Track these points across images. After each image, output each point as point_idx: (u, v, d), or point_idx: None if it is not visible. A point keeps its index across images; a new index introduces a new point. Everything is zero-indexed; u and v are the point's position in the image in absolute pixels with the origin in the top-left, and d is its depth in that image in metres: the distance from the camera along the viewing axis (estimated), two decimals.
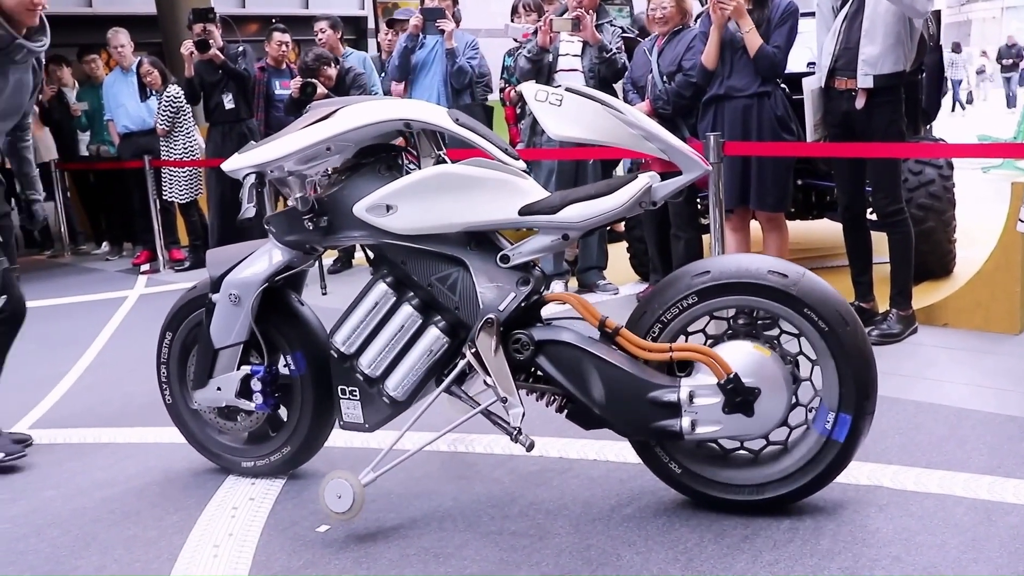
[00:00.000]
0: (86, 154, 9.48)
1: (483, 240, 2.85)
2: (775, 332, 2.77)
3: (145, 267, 8.42)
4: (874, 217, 4.68)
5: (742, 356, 2.68)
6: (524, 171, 2.83)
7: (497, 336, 2.75)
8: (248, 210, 2.88)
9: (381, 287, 2.91)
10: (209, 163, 7.56)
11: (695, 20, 5.30)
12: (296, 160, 2.91)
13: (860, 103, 4.34)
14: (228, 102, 7.52)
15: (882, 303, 4.66)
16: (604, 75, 5.55)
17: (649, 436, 2.77)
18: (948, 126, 15.04)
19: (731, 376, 2.63)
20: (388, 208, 2.81)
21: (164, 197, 8.14)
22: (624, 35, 5.79)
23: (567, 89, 2.69)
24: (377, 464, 2.86)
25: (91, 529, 3.05)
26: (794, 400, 2.73)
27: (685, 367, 2.75)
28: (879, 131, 4.34)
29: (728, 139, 4.60)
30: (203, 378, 3.23)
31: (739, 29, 4.65)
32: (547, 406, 2.86)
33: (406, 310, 2.87)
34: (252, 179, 2.93)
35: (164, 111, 7.85)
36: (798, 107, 4.68)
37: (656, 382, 2.70)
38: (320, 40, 7.57)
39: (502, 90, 6.56)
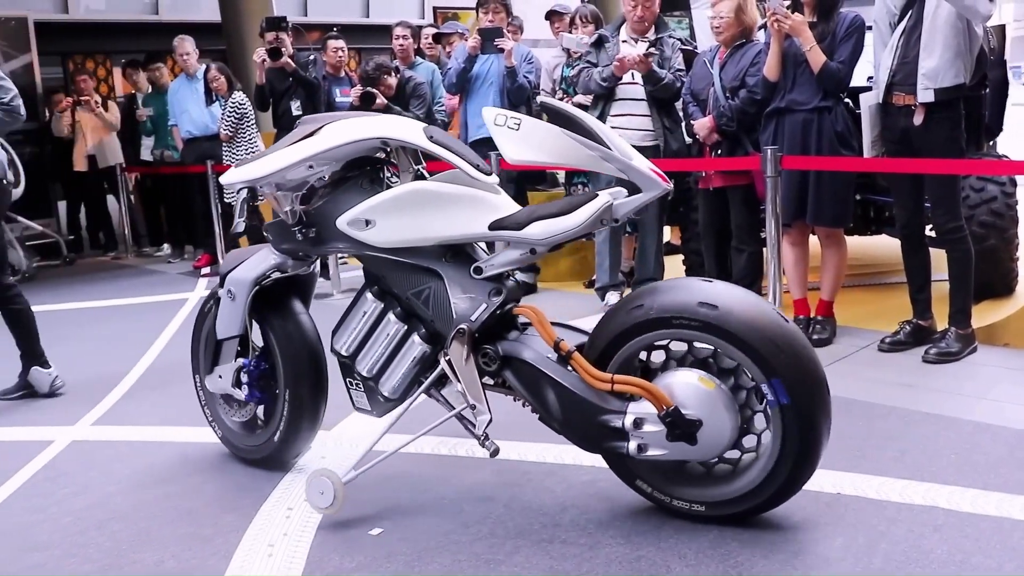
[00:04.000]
0: (149, 159, 9.68)
1: (459, 252, 2.98)
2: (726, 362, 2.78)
3: (206, 270, 8.56)
4: (933, 234, 4.63)
5: (685, 388, 2.72)
6: (496, 186, 2.98)
7: (469, 345, 2.88)
8: (239, 224, 3.18)
9: (368, 296, 3.12)
10: None
11: (758, 31, 5.28)
12: (281, 176, 3.08)
13: (918, 119, 4.30)
14: (296, 109, 7.59)
15: (941, 321, 4.60)
16: (661, 98, 5.52)
17: (603, 454, 2.89)
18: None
19: (670, 409, 2.67)
20: (367, 222, 2.97)
21: (226, 201, 8.28)
22: (683, 47, 5.77)
23: (542, 104, 2.84)
24: (358, 463, 3.02)
25: (150, 525, 3.12)
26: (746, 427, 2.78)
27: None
28: (937, 147, 4.29)
29: (787, 153, 4.59)
30: (209, 366, 3.56)
31: (801, 45, 4.63)
32: (523, 407, 2.97)
33: (391, 319, 3.06)
34: (244, 193, 3.19)
35: (228, 117, 7.98)
36: (860, 121, 4.64)
37: (605, 406, 2.76)
38: (401, 46, 7.64)
39: (560, 100, 6.56)
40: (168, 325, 6.34)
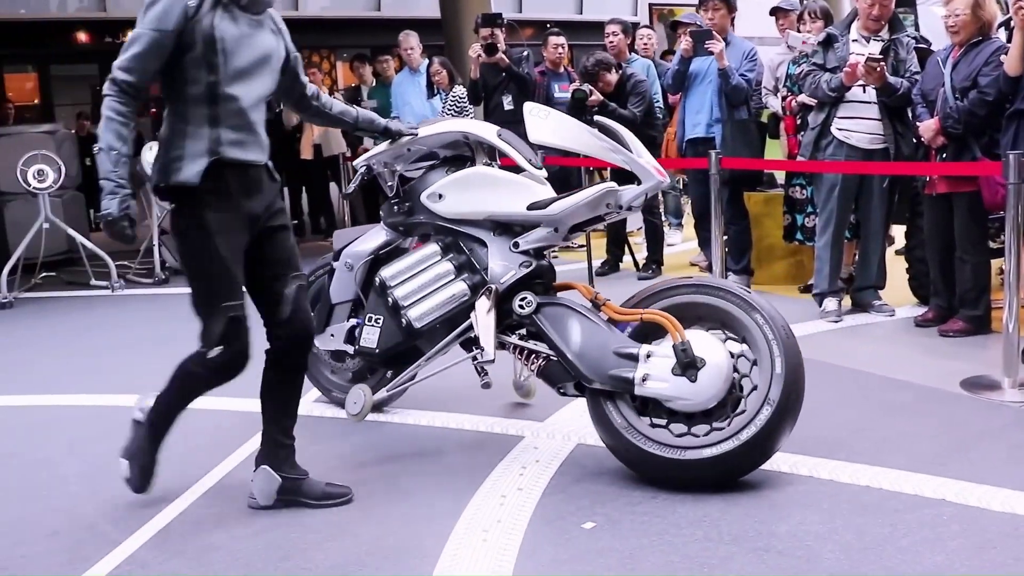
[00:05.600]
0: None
1: (506, 229, 3.61)
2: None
3: None
4: None
5: (698, 335, 3.24)
6: (544, 178, 3.68)
7: (492, 301, 3.49)
8: (350, 185, 4.05)
9: (434, 246, 3.71)
10: None
11: (997, 29, 4.99)
12: (388, 156, 3.81)
13: None
14: (508, 104, 7.72)
15: None
16: (891, 104, 5.28)
17: (606, 383, 3.25)
18: None
19: (685, 341, 3.16)
20: (440, 196, 3.68)
21: None
22: (917, 46, 5.50)
23: (598, 122, 3.51)
24: (391, 387, 3.75)
25: (371, 501, 3.25)
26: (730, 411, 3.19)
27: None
28: None
29: None
30: (322, 326, 4.04)
31: None
32: (531, 369, 3.48)
33: (446, 265, 3.65)
34: (363, 169, 3.90)
35: (449, 110, 8.17)
36: None
37: (622, 339, 3.31)
38: (611, 43, 7.65)
39: (784, 98, 6.40)
40: None
